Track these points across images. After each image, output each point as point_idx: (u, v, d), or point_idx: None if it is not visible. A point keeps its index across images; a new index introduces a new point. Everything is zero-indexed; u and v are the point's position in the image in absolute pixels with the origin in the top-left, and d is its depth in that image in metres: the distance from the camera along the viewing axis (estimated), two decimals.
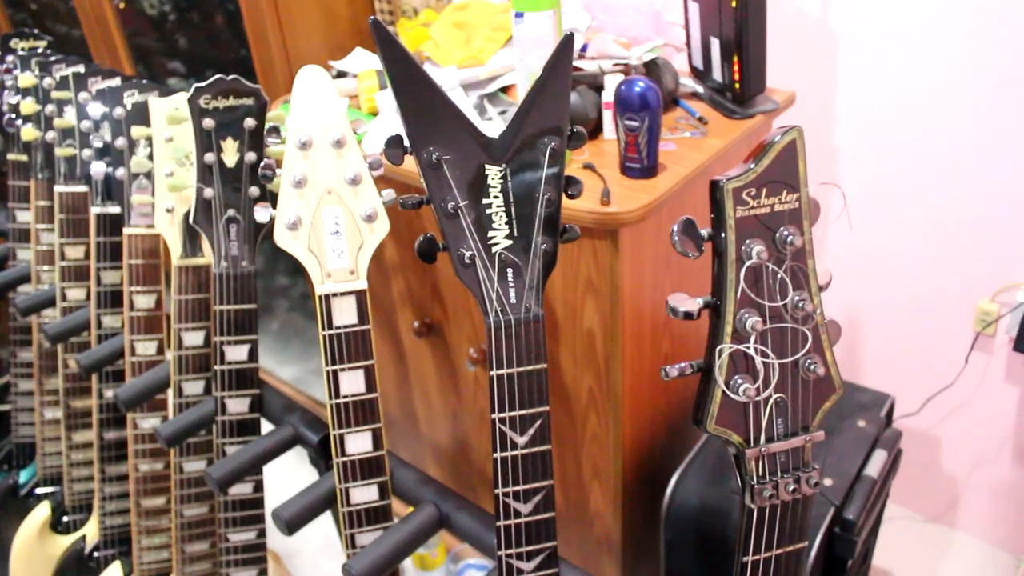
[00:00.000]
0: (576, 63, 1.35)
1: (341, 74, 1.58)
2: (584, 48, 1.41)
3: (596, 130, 1.33)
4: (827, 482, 1.30)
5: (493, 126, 1.34)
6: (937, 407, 1.80)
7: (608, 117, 1.30)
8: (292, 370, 2.48)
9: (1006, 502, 1.84)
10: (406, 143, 0.80)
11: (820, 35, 1.57)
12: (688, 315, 0.59)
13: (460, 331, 1.52)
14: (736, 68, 1.32)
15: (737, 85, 1.34)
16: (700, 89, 1.44)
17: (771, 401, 0.62)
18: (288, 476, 2.25)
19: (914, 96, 1.52)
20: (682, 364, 0.61)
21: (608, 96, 1.28)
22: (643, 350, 1.32)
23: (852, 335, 1.85)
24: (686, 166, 1.22)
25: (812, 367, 0.62)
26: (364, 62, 1.60)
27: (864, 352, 1.86)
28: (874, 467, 1.34)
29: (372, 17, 0.78)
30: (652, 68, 1.38)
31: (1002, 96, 1.44)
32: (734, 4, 1.26)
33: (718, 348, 0.59)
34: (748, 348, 0.60)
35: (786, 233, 0.59)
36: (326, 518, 2.17)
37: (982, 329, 1.64)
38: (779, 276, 0.60)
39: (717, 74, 1.38)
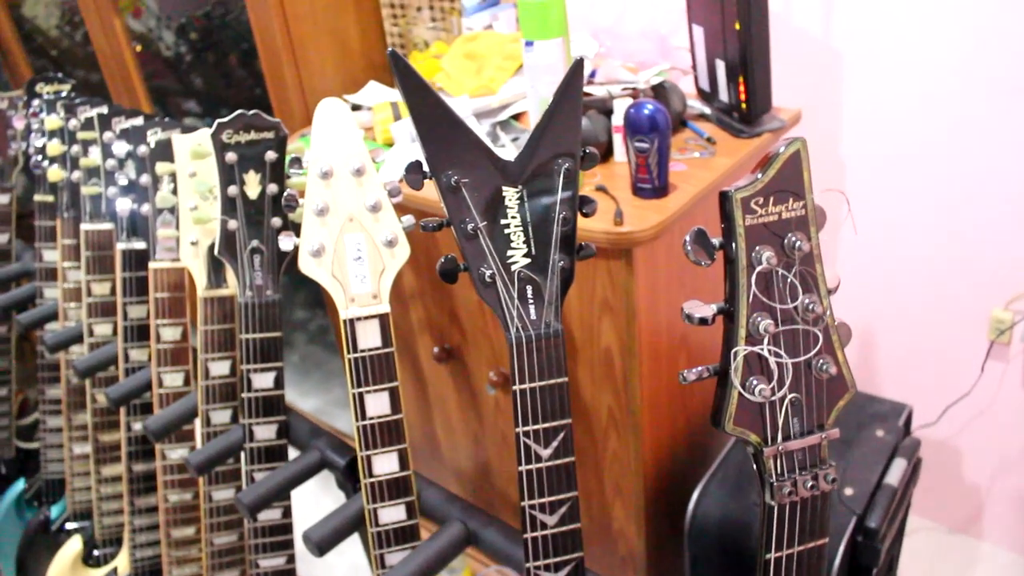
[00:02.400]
0: (585, 89, 1.38)
1: (356, 107, 1.62)
2: (593, 74, 1.45)
3: (607, 153, 1.36)
4: (848, 492, 1.31)
5: (506, 152, 1.37)
6: (955, 417, 1.80)
7: (618, 140, 1.33)
8: (313, 402, 2.50)
9: None
10: (425, 168, 0.83)
11: (823, 53, 1.60)
12: (703, 321, 0.62)
13: (479, 355, 1.54)
14: (742, 88, 1.35)
15: (744, 105, 1.37)
16: (707, 110, 1.47)
17: (786, 401, 0.64)
18: (313, 505, 2.27)
19: (920, 109, 1.55)
20: (699, 368, 0.63)
21: (618, 120, 1.31)
22: (660, 367, 1.34)
23: (867, 346, 1.86)
24: (696, 185, 1.25)
25: (824, 367, 0.64)
26: (378, 95, 1.64)
27: (880, 363, 1.87)
28: (894, 476, 1.35)
29: (391, 49, 0.81)
30: (660, 91, 1.41)
31: (1008, 106, 1.46)
32: (738, 26, 1.29)
33: (733, 351, 0.62)
34: (762, 350, 0.62)
35: (794, 239, 0.62)
36: (352, 547, 2.19)
37: (996, 337, 1.65)
38: (789, 280, 0.62)
39: (724, 95, 1.41)
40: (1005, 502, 1.87)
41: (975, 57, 1.45)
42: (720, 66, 1.38)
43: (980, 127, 1.50)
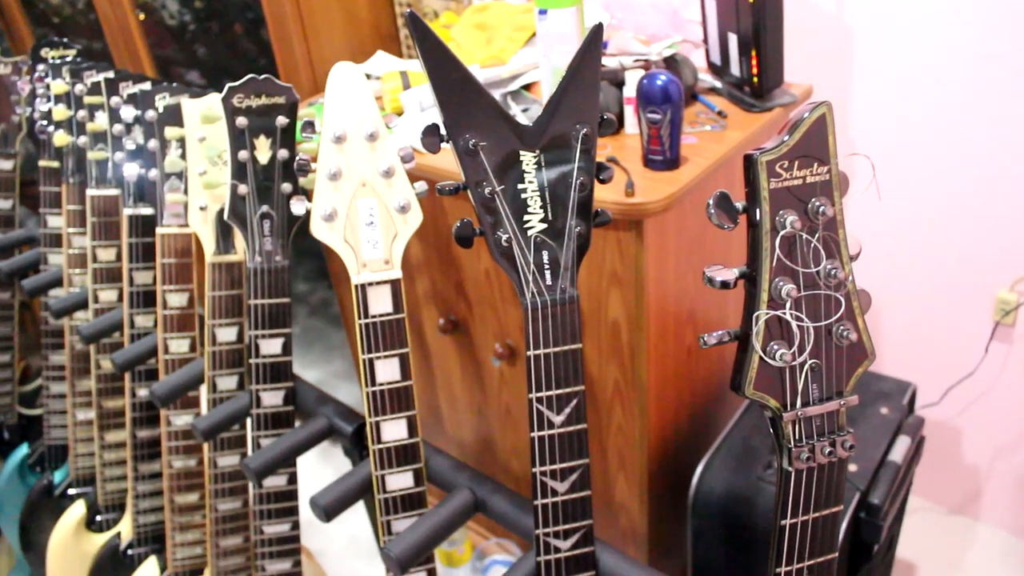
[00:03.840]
0: None
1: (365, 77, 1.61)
2: (604, 46, 1.43)
3: (618, 126, 1.36)
4: (852, 468, 1.32)
5: None
6: (958, 397, 1.81)
7: (630, 112, 1.33)
8: (315, 374, 2.50)
9: None
10: (443, 131, 0.82)
11: (836, 29, 1.59)
12: (725, 284, 0.61)
13: (485, 327, 1.54)
14: (754, 62, 1.35)
15: (755, 79, 1.36)
16: (719, 84, 1.46)
17: (806, 366, 0.64)
18: (314, 477, 2.28)
19: (930, 87, 1.54)
20: (720, 332, 0.63)
21: (629, 91, 1.30)
22: (667, 341, 1.34)
23: (873, 326, 1.86)
24: (707, 158, 1.24)
25: (845, 333, 0.64)
26: (386, 64, 1.63)
27: (885, 343, 1.87)
28: (898, 453, 1.35)
29: (409, 10, 0.81)
30: (671, 64, 1.40)
31: (1020, 86, 1.45)
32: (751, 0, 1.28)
33: (755, 315, 0.62)
34: (784, 314, 0.62)
35: (818, 204, 0.61)
36: (352, 516, 2.20)
37: (1001, 318, 1.65)
38: (812, 245, 0.62)
39: (735, 69, 1.40)
40: (1005, 484, 1.88)
41: (987, 35, 1.44)
42: (732, 39, 1.37)
43: (991, 107, 1.50)
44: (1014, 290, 1.63)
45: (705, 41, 1.48)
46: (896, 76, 1.57)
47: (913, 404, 1.52)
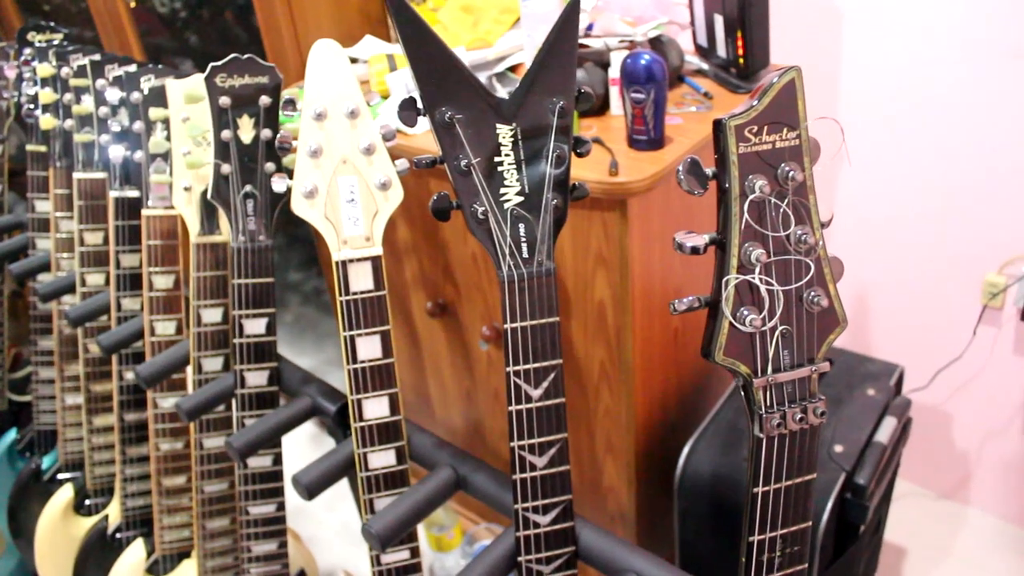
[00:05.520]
0: (583, 41, 1.37)
1: (352, 61, 1.61)
2: (590, 27, 1.43)
3: (603, 107, 1.36)
4: (837, 448, 1.32)
5: None
6: (946, 381, 1.81)
7: (615, 93, 1.33)
8: (307, 361, 2.51)
9: (1018, 477, 1.85)
10: (419, 105, 0.82)
11: (823, 10, 1.59)
12: (695, 250, 0.61)
13: (473, 310, 1.54)
14: (740, 44, 1.35)
15: (741, 60, 1.36)
16: (705, 66, 1.46)
17: (777, 332, 0.64)
18: (302, 459, 2.27)
19: (919, 69, 1.54)
20: (690, 298, 0.63)
21: (614, 72, 1.30)
22: (653, 322, 1.34)
23: (860, 309, 1.86)
24: (692, 138, 1.24)
25: (816, 299, 0.64)
26: (374, 48, 1.62)
27: (873, 326, 1.87)
28: (884, 434, 1.35)
29: None
30: (657, 45, 1.40)
31: (1009, 69, 1.45)
32: None
33: (724, 279, 0.62)
34: (753, 278, 0.62)
35: (787, 169, 0.61)
36: (343, 502, 2.20)
37: (989, 301, 1.65)
38: (781, 210, 0.62)
39: (721, 50, 1.40)
40: (993, 468, 1.89)
41: (976, 19, 1.44)
42: (718, 21, 1.37)
43: (979, 89, 1.50)
44: (1002, 273, 1.63)
45: (692, 23, 1.48)
46: (886, 60, 1.57)
47: (900, 386, 1.52)
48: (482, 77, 1.43)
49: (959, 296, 1.71)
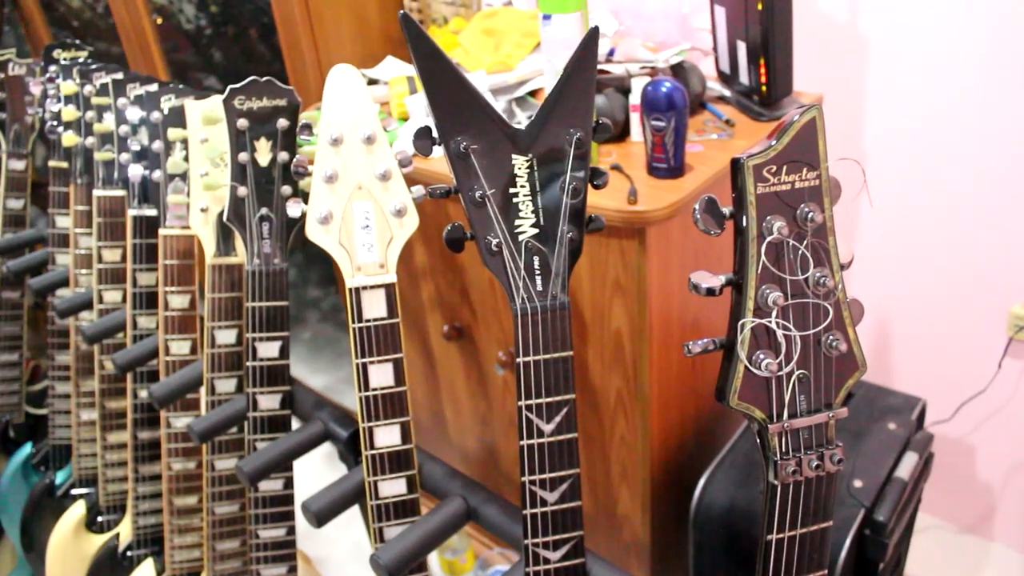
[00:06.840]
0: (603, 67, 1.37)
1: (372, 81, 1.61)
2: (611, 52, 1.42)
3: (623, 133, 1.35)
4: (857, 484, 1.29)
5: None
6: (970, 414, 1.78)
7: (635, 119, 1.32)
8: (323, 379, 2.50)
9: None
10: (435, 134, 0.81)
11: (848, 38, 1.57)
12: (711, 291, 0.60)
13: (489, 334, 1.53)
14: (763, 71, 1.33)
15: (764, 88, 1.35)
16: (727, 93, 1.45)
17: (793, 377, 0.63)
18: (315, 481, 2.26)
19: (944, 98, 1.52)
20: (705, 340, 0.62)
21: (635, 98, 1.29)
22: (671, 351, 1.33)
23: (883, 340, 1.84)
24: (712, 167, 1.23)
25: (834, 343, 0.62)
26: (395, 69, 1.62)
27: (895, 358, 1.84)
28: (905, 469, 1.33)
29: (402, 11, 0.80)
30: (679, 71, 1.39)
31: None
32: (760, 7, 1.27)
33: (740, 322, 0.60)
34: (770, 322, 0.60)
35: (807, 210, 0.60)
36: (355, 521, 2.19)
37: (1015, 334, 1.62)
38: (800, 252, 0.60)
39: (744, 77, 1.39)
40: (1017, 503, 1.85)
41: (1004, 47, 1.42)
42: (741, 47, 1.36)
43: (1007, 120, 1.47)
44: None
45: (715, 49, 1.47)
46: (910, 86, 1.55)
47: (922, 420, 1.49)
48: (502, 101, 1.42)
49: (984, 329, 1.68)
